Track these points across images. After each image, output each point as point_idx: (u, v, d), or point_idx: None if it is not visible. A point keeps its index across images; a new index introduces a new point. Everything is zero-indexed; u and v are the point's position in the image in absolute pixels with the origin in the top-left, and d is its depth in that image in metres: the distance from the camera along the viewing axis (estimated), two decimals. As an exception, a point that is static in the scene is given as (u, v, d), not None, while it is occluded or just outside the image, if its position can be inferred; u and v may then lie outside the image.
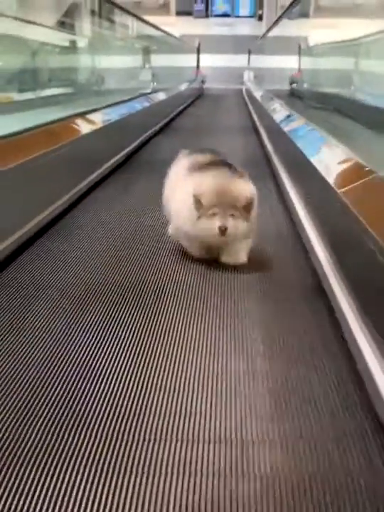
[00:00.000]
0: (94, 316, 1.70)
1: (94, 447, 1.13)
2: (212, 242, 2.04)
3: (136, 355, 1.48)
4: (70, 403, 1.27)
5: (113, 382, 1.36)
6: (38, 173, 2.46)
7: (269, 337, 1.59)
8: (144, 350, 1.51)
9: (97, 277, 2.02)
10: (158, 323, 1.67)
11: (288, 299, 1.86)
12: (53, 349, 1.51)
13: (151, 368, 1.42)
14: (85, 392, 1.31)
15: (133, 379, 1.37)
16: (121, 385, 1.34)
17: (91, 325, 1.65)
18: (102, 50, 6.24)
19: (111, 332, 1.61)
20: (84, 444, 1.14)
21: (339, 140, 2.78)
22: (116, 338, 1.58)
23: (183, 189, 2.06)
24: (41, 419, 1.21)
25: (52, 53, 5.29)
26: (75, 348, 1.52)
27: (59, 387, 1.33)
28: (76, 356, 1.47)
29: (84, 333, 1.60)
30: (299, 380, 1.36)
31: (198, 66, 16.21)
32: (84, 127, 3.57)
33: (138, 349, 1.51)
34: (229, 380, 1.37)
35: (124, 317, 1.70)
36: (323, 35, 6.55)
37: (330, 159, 2.52)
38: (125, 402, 1.28)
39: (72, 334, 1.59)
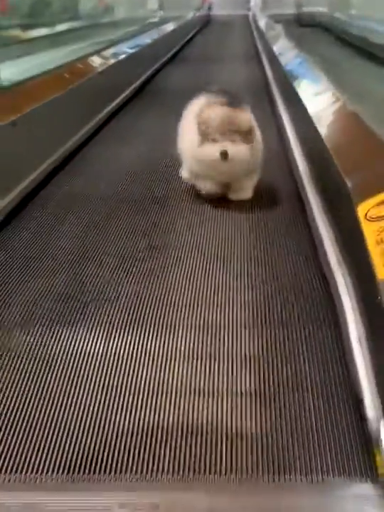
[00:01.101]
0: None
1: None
2: (218, 170, 2.12)
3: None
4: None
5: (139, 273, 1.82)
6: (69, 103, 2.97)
7: (257, 220, 2.12)
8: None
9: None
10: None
11: (274, 197, 2.34)
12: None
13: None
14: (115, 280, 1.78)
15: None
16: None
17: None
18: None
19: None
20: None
21: (322, 70, 3.25)
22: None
23: (193, 129, 2.13)
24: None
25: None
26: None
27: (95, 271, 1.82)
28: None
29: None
30: (273, 237, 1.97)
31: (204, -8, 16.14)
32: (102, 61, 4.05)
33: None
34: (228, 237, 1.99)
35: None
36: None
37: (310, 90, 2.99)
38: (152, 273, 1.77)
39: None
